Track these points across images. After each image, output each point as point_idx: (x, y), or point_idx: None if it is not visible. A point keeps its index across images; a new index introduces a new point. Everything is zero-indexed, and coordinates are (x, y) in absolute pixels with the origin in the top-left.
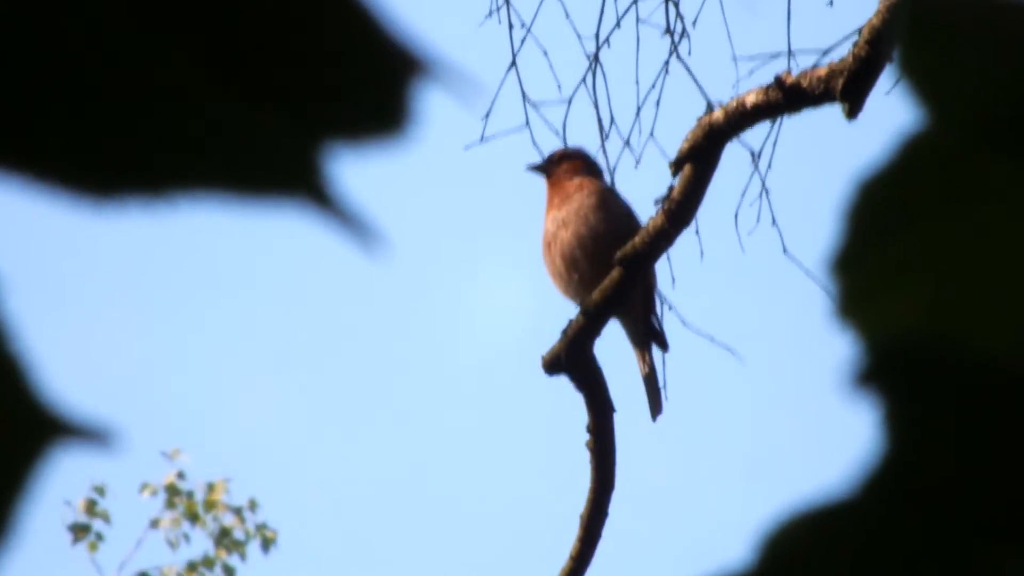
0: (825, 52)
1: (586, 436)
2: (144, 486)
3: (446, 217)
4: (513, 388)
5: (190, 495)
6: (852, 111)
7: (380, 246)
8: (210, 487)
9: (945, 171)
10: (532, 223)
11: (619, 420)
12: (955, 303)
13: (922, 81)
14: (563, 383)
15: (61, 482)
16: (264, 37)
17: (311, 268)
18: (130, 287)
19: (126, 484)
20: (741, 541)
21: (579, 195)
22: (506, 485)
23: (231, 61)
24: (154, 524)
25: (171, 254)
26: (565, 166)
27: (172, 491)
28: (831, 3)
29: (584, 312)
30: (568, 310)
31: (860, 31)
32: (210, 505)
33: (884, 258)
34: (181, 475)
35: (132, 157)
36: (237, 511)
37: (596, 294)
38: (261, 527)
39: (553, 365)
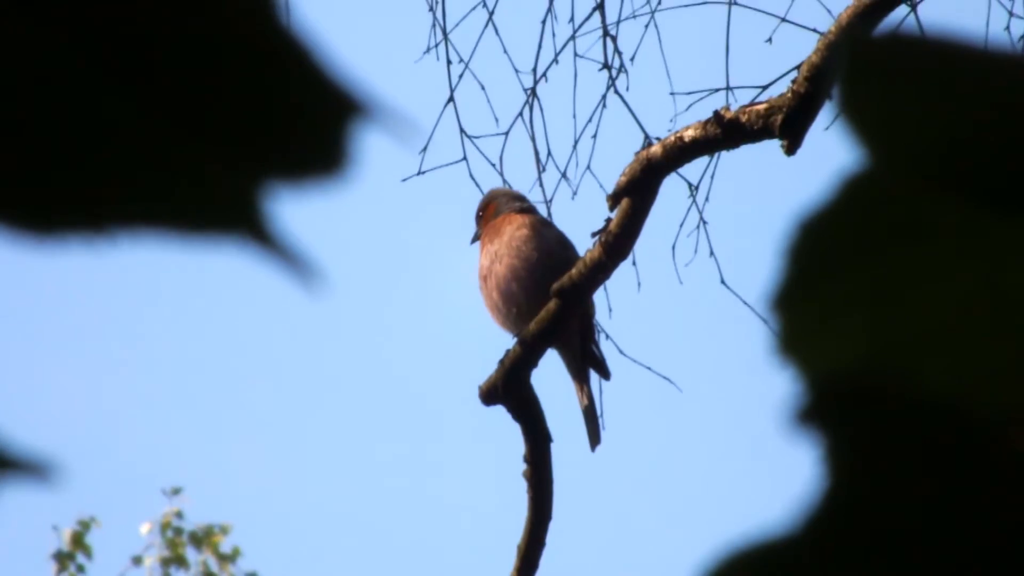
0: (764, 88)
1: (523, 466)
2: (144, 521)
3: (383, 249)
4: (450, 418)
5: (192, 535)
6: (791, 147)
7: (319, 282)
8: (207, 529)
9: (885, 210)
10: (469, 257)
11: (556, 450)
12: (894, 340)
13: (862, 120)
14: (500, 413)
15: (52, 510)
16: (205, 77)
17: (248, 301)
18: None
19: (120, 520)
20: (681, 575)
21: (509, 228)
22: (443, 515)
23: (173, 101)
24: (137, 561)
25: (111, 289)
26: (490, 209)
27: (167, 528)
28: (770, 40)
29: (521, 342)
30: (505, 341)
31: (799, 68)
32: (208, 545)
33: (824, 296)
34: (179, 514)
35: (74, 195)
36: (226, 557)
37: (533, 325)
38: (251, 575)
39: (490, 395)
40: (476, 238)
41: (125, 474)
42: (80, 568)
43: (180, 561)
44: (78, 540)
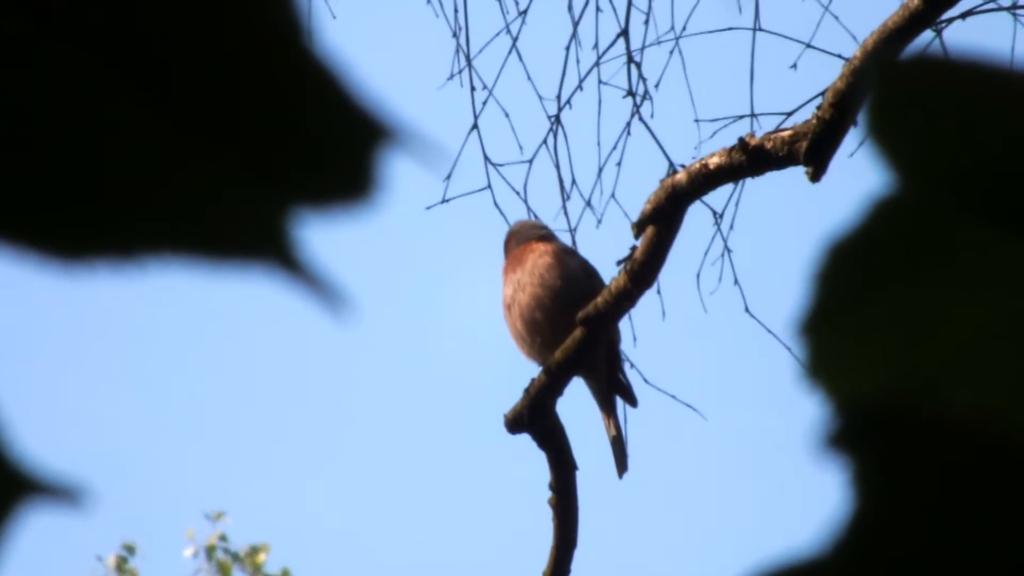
0: (789, 114)
1: (549, 493)
2: (188, 539)
3: (409, 276)
4: (476, 445)
5: (235, 556)
6: (816, 174)
7: (346, 309)
8: (253, 549)
9: (913, 234)
10: (493, 285)
11: (582, 477)
12: (922, 365)
13: (889, 143)
14: (526, 440)
15: (95, 536)
16: (233, 104)
17: (278, 327)
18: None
19: (165, 544)
20: None
21: (532, 256)
22: (470, 542)
23: (202, 127)
24: None
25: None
26: (513, 239)
27: (213, 552)
28: (795, 66)
29: (546, 371)
30: (531, 369)
31: (824, 94)
32: (252, 567)
33: (852, 320)
34: (223, 537)
35: (102, 221)
36: None
37: (558, 353)
38: None
39: (516, 423)
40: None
41: (165, 500)
42: None
43: None
44: (121, 566)
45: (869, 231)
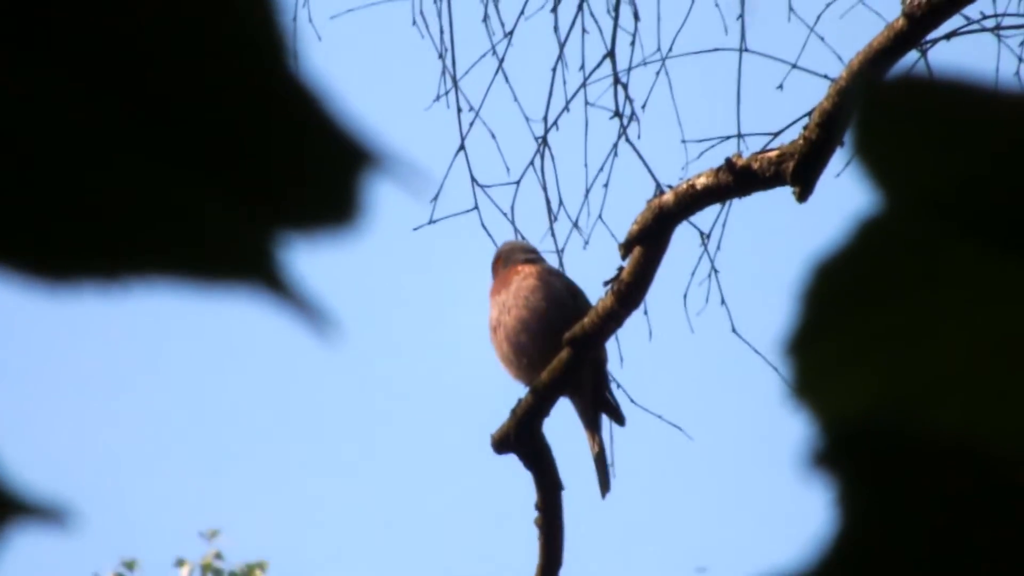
0: (775, 135)
1: (535, 513)
2: (180, 561)
3: (395, 298)
4: (462, 465)
5: (232, 575)
6: (803, 194)
7: (332, 330)
8: (249, 568)
9: (899, 254)
10: (480, 307)
11: (568, 497)
12: (909, 383)
13: (876, 163)
14: (512, 461)
15: (92, 555)
16: (217, 127)
17: (262, 348)
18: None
19: (157, 562)
20: None
21: (517, 279)
22: (455, 561)
23: (187, 150)
24: None
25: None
26: (500, 261)
27: (208, 570)
28: (781, 86)
29: (533, 392)
30: (517, 389)
31: (811, 114)
32: None
33: (839, 339)
34: (219, 555)
35: (89, 242)
36: None
37: (545, 374)
38: None
39: (502, 444)
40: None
41: (158, 519)
42: None
43: None
44: None
45: (856, 251)
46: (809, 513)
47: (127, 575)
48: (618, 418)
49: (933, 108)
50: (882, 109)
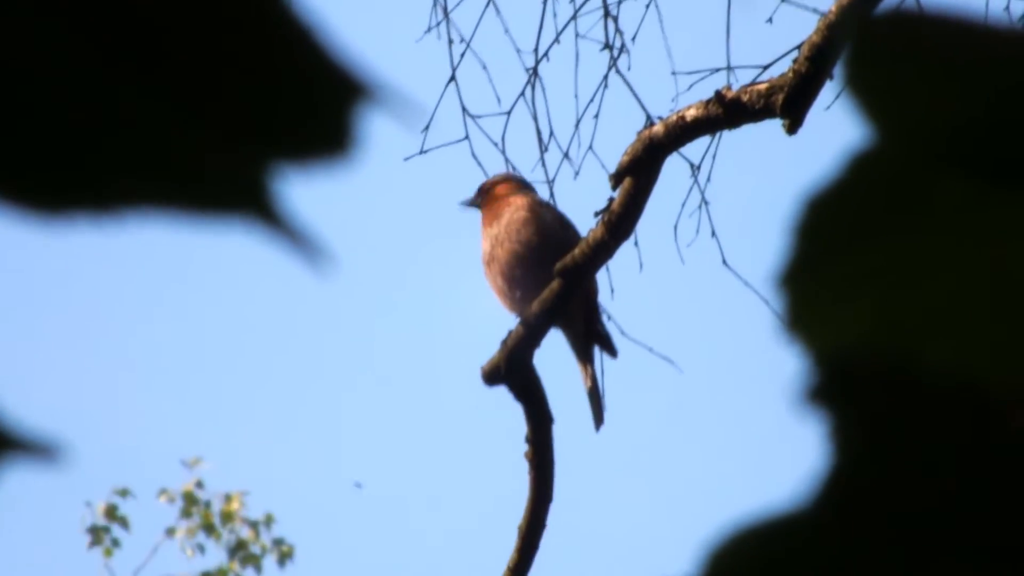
0: (765, 68)
1: (525, 446)
2: (162, 491)
3: (386, 229)
4: (452, 397)
5: (207, 505)
6: (792, 126)
7: (326, 263)
8: (227, 498)
9: (892, 187)
10: (471, 237)
11: (558, 430)
12: (901, 318)
13: (867, 98)
14: (503, 393)
15: (82, 484)
16: (209, 60)
17: (253, 280)
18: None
19: (144, 491)
20: (685, 554)
21: (508, 211)
22: (444, 495)
23: (179, 83)
24: (170, 532)
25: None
26: (495, 191)
27: (189, 499)
28: (771, 20)
29: (524, 323)
30: (508, 320)
31: (800, 48)
32: (227, 517)
33: (831, 273)
34: (200, 484)
35: (82, 175)
36: (253, 525)
37: (535, 305)
38: (278, 542)
39: (492, 376)
40: (471, 203)
41: (139, 451)
42: (115, 542)
43: (210, 530)
44: (112, 513)
45: (848, 184)
46: (802, 447)
47: (119, 503)
48: (610, 350)
49: (922, 42)
50: (872, 44)
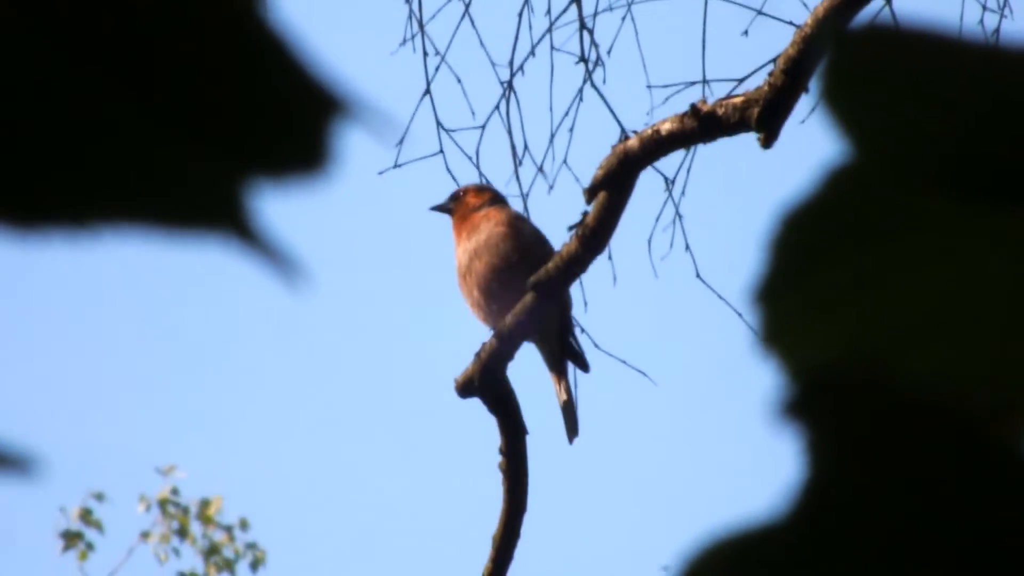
0: (741, 81)
1: (499, 458)
2: (141, 498)
3: (360, 242)
4: (426, 410)
5: (185, 510)
6: (767, 140)
7: (301, 277)
8: (203, 503)
9: (869, 203)
10: (445, 250)
11: (532, 442)
12: (878, 332)
13: (843, 112)
14: (476, 405)
15: (56, 489)
16: (188, 77)
17: (230, 295)
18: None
19: (118, 499)
20: (658, 566)
21: (487, 225)
22: (418, 506)
23: (155, 97)
24: (145, 536)
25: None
26: (470, 199)
27: (166, 505)
28: (746, 33)
29: (497, 336)
30: (481, 333)
31: (776, 61)
32: (204, 520)
33: (808, 288)
34: (175, 491)
35: (58, 190)
36: (228, 529)
37: (509, 318)
38: (251, 546)
39: (466, 388)
40: (443, 208)
41: (114, 457)
42: (90, 546)
43: (184, 534)
44: (86, 517)
45: (824, 199)
46: (778, 460)
47: (94, 507)
48: (582, 364)
49: (898, 57)
50: (849, 57)
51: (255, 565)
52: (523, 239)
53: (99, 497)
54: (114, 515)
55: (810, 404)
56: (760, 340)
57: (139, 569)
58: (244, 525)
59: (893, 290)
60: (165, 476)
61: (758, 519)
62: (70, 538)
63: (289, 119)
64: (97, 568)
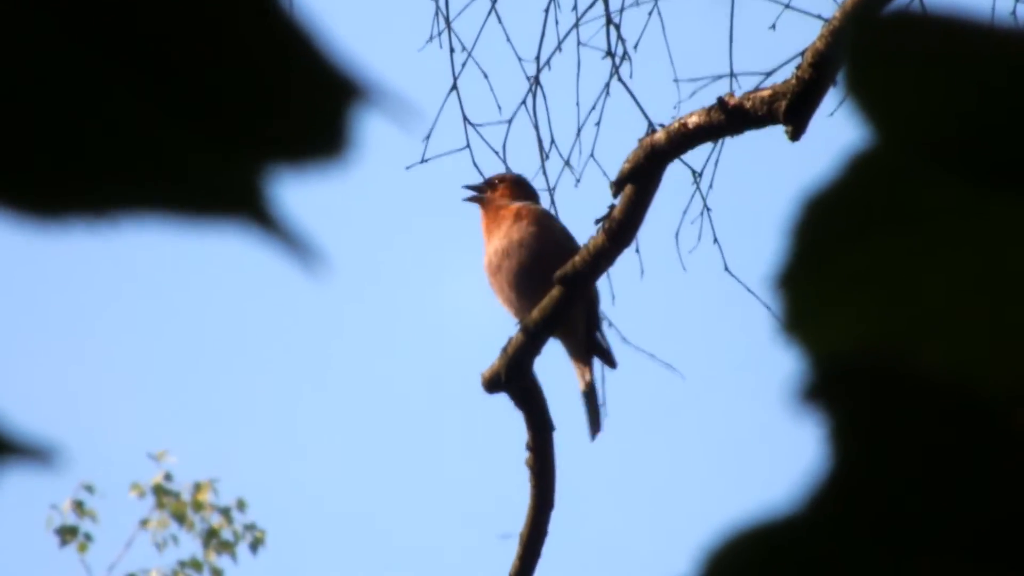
0: (768, 74)
1: (526, 454)
2: (133, 486)
3: (387, 235)
4: (452, 405)
5: (177, 496)
6: (795, 133)
7: (322, 266)
8: (197, 487)
9: (891, 189)
10: (473, 245)
11: (560, 438)
12: (900, 319)
13: (868, 99)
14: (503, 400)
15: (46, 487)
16: (207, 63)
17: (249, 283)
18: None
19: (113, 487)
20: (684, 559)
21: (519, 224)
22: (445, 502)
23: (176, 85)
24: (143, 524)
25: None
26: (501, 192)
27: (160, 492)
28: (774, 26)
29: (524, 330)
30: (507, 328)
31: (803, 54)
32: (197, 506)
33: (830, 275)
34: (168, 476)
35: (77, 179)
36: (224, 511)
37: (536, 312)
38: (250, 527)
39: (493, 383)
40: (477, 192)
41: (101, 445)
42: (88, 537)
43: (182, 519)
44: (80, 508)
45: (847, 185)
46: (801, 451)
47: (86, 500)
48: (609, 361)
49: (926, 45)
50: (875, 46)
51: (255, 546)
52: (554, 236)
53: (90, 489)
54: (109, 505)
55: (831, 391)
56: (781, 326)
57: (139, 558)
58: (242, 506)
59: (915, 276)
60: (158, 462)
61: (782, 509)
62: (66, 533)
63: (308, 105)
64: (98, 559)
